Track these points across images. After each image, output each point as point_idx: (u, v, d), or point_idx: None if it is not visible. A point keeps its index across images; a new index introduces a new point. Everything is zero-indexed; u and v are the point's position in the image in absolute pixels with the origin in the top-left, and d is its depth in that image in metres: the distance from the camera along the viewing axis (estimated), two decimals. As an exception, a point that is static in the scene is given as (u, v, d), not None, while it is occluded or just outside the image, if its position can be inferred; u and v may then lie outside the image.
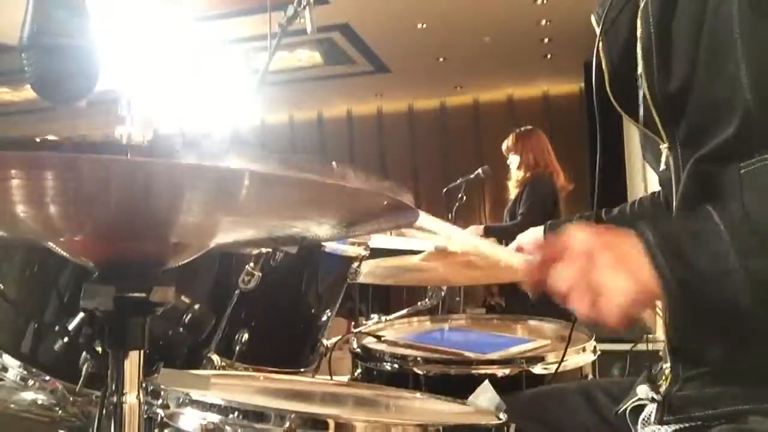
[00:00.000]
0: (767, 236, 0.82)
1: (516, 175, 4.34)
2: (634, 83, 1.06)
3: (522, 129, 4.48)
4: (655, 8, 0.99)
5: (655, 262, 0.82)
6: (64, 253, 0.71)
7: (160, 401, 0.93)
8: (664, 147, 1.03)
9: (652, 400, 1.01)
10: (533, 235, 1.61)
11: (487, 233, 4.29)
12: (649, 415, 1.02)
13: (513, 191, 4.37)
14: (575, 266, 0.86)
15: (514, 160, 4.36)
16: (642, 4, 1.01)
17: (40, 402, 1.23)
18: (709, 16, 0.92)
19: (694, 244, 0.84)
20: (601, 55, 1.10)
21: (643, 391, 1.03)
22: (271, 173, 0.57)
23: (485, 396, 1.07)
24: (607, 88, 1.10)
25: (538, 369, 1.58)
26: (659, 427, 0.98)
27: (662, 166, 1.04)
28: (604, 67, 1.09)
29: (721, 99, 0.91)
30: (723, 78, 0.91)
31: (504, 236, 4.70)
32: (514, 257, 1.06)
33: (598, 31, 1.11)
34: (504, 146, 4.43)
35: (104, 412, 0.72)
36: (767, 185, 0.87)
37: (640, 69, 1.03)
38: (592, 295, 0.84)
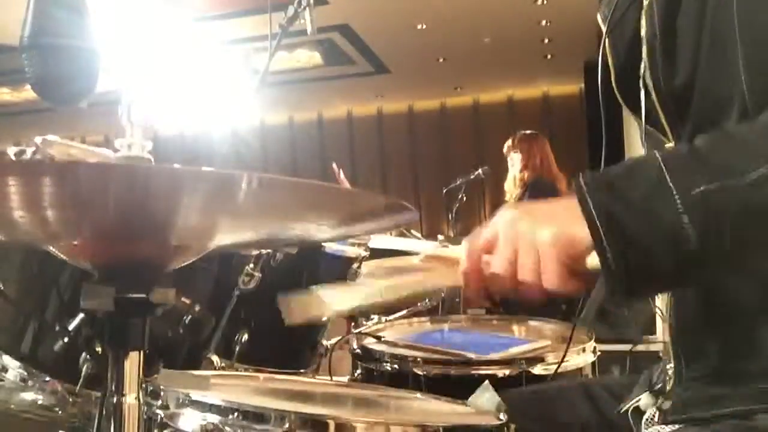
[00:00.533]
0: (709, 157, 0.76)
1: (518, 175, 4.32)
2: (638, 82, 1.06)
3: (529, 132, 4.46)
4: (660, 5, 0.99)
5: (583, 205, 0.74)
6: (64, 257, 0.71)
7: (159, 402, 0.93)
8: (669, 145, 1.03)
9: (656, 405, 1.01)
10: None
11: None
12: (653, 415, 1.02)
13: (513, 191, 4.36)
14: (506, 246, 0.78)
15: (516, 159, 4.32)
16: (647, 2, 1.01)
17: (40, 402, 1.23)
18: (710, 9, 0.92)
19: (626, 177, 0.77)
20: (608, 53, 1.10)
21: (645, 403, 1.02)
22: (269, 176, 0.57)
23: (485, 396, 1.07)
24: (614, 87, 1.10)
25: (538, 369, 1.58)
26: (663, 426, 0.98)
27: None
28: (610, 65, 1.09)
29: (722, 94, 0.91)
30: (724, 72, 0.91)
31: None
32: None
33: (604, 29, 1.11)
34: (509, 143, 4.38)
35: (104, 412, 0.72)
36: None
37: (642, 67, 1.04)
38: (532, 266, 0.76)
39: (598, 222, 0.74)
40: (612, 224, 0.73)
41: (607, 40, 1.09)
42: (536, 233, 0.77)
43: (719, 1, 0.91)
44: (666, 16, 0.98)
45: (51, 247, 0.71)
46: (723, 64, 0.91)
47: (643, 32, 1.01)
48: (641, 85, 1.03)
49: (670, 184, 0.74)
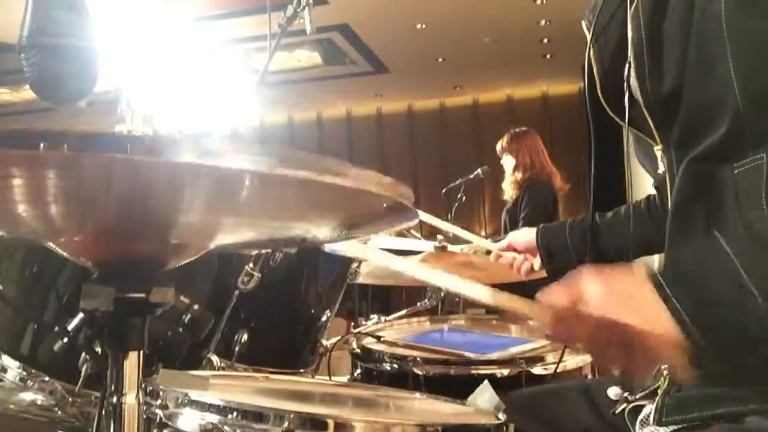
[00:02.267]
0: None
1: (513, 176, 4.32)
2: (623, 87, 1.07)
3: (517, 130, 4.45)
4: (645, 11, 0.99)
5: (669, 306, 0.80)
6: (64, 254, 0.71)
7: (159, 402, 0.93)
8: (657, 149, 1.03)
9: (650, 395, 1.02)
10: (525, 238, 1.60)
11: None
12: (648, 415, 1.02)
13: (510, 192, 4.36)
14: (594, 326, 0.83)
15: (508, 161, 4.33)
16: (632, 7, 1.01)
17: (39, 402, 1.23)
18: (697, 17, 0.93)
19: (702, 278, 0.82)
20: (593, 60, 1.10)
21: (612, 392, 1.05)
22: (271, 173, 0.57)
23: (485, 396, 1.07)
24: (599, 93, 1.11)
25: (537, 369, 1.58)
26: (657, 427, 0.98)
27: (660, 168, 1.05)
28: (595, 72, 1.10)
29: (713, 99, 0.92)
30: (713, 78, 0.91)
31: None
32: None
33: (588, 36, 1.11)
34: (498, 147, 4.40)
35: (103, 412, 0.72)
36: (761, 185, 0.88)
37: (626, 72, 1.04)
38: (620, 353, 0.82)
39: (689, 327, 0.80)
40: (699, 323, 0.79)
41: (592, 49, 1.10)
42: (630, 331, 0.81)
43: (706, 7, 0.91)
44: (652, 21, 0.98)
45: (52, 244, 0.71)
46: (711, 69, 0.91)
47: (629, 37, 1.02)
48: (625, 88, 1.04)
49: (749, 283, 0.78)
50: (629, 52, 1.02)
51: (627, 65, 1.04)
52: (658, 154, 1.04)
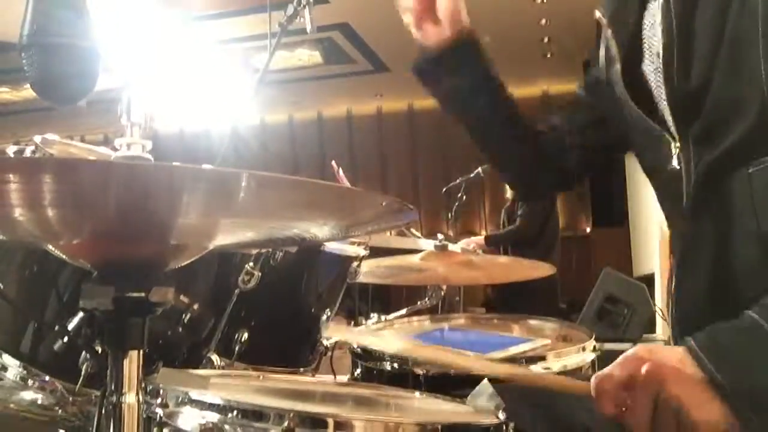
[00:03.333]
0: None
1: None
2: (641, 78, 1.06)
3: None
4: (678, 4, 0.98)
5: (727, 402, 0.83)
6: (63, 256, 0.71)
7: (159, 400, 0.93)
8: (675, 146, 1.03)
9: None
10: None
11: (489, 244, 4.28)
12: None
13: (510, 190, 4.37)
14: (648, 408, 0.88)
15: None
16: (662, 1, 1.01)
17: (39, 401, 1.23)
18: (733, 14, 0.92)
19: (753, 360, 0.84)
20: (613, 45, 1.10)
21: None
22: (268, 175, 0.57)
23: (484, 395, 1.07)
24: (621, 78, 1.10)
25: (538, 368, 1.58)
26: (657, 426, 0.98)
27: (673, 165, 1.03)
28: (617, 56, 1.09)
29: (738, 97, 0.91)
30: (742, 76, 0.91)
31: (505, 243, 4.68)
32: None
33: (605, 21, 1.11)
34: None
35: (103, 411, 0.72)
36: None
37: (650, 65, 1.04)
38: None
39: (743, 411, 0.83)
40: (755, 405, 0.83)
41: (610, 31, 1.09)
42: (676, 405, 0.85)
43: (744, 4, 0.90)
44: (683, 15, 0.97)
45: (50, 247, 0.71)
46: (743, 64, 0.91)
47: (660, 30, 1.01)
48: (650, 80, 1.03)
49: None
50: (659, 47, 1.01)
51: (653, 59, 1.03)
52: (674, 150, 1.03)
